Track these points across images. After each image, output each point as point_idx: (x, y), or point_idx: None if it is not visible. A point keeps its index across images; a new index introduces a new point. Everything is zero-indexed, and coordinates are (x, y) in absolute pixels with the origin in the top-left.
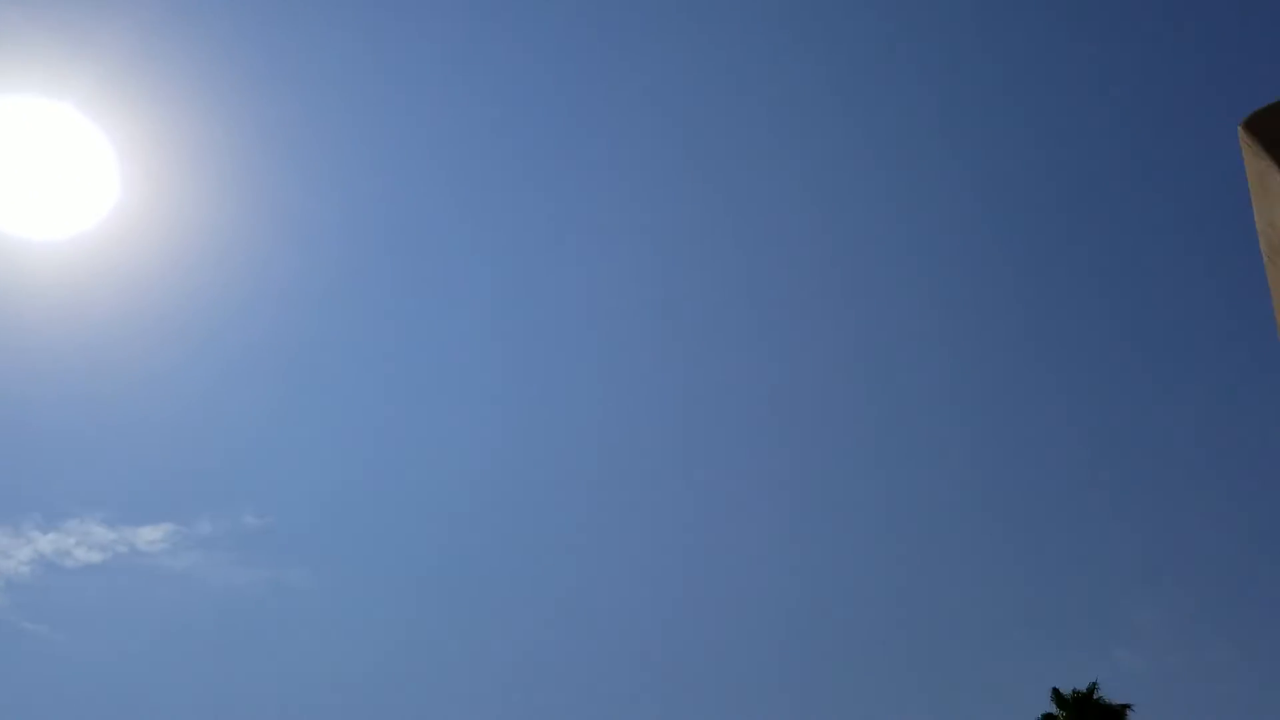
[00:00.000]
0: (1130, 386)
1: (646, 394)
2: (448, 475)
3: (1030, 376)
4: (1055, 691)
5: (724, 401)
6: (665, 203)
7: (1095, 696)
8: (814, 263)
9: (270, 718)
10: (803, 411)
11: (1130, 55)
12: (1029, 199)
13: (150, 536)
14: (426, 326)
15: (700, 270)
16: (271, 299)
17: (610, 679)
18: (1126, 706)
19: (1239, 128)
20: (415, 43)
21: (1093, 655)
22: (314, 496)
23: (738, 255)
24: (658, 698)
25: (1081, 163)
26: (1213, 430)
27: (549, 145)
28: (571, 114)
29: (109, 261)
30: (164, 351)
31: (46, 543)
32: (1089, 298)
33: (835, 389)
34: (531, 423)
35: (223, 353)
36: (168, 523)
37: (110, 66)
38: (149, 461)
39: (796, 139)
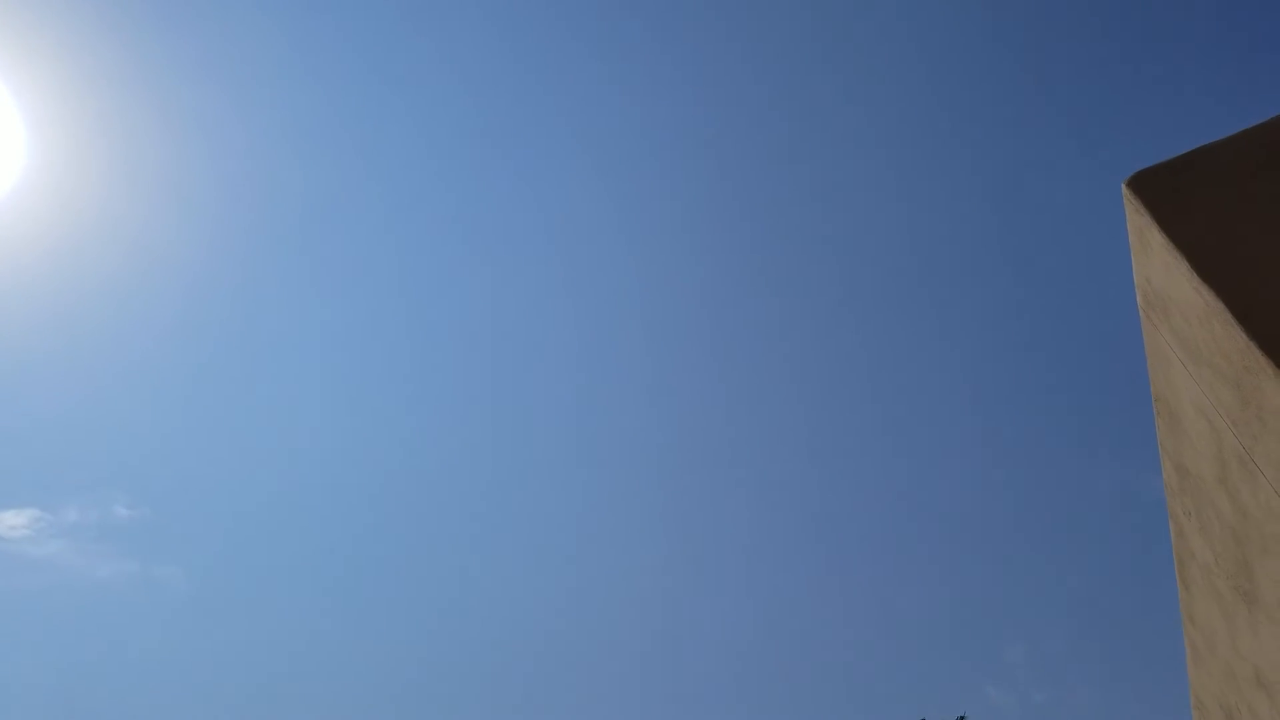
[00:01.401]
0: (1023, 435)
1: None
2: (328, 474)
3: (928, 409)
4: None
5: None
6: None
7: None
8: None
9: (121, 715)
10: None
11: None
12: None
13: (12, 522)
14: (313, 319)
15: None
16: (160, 283)
17: (505, 672)
18: None
19: (1123, 185)
20: (343, 16)
21: (964, 691)
22: (192, 491)
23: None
24: (553, 694)
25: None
26: (1099, 483)
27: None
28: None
29: (4, 235)
30: (41, 333)
31: None
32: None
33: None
34: (417, 413)
35: (105, 336)
36: (32, 508)
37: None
38: (13, 443)
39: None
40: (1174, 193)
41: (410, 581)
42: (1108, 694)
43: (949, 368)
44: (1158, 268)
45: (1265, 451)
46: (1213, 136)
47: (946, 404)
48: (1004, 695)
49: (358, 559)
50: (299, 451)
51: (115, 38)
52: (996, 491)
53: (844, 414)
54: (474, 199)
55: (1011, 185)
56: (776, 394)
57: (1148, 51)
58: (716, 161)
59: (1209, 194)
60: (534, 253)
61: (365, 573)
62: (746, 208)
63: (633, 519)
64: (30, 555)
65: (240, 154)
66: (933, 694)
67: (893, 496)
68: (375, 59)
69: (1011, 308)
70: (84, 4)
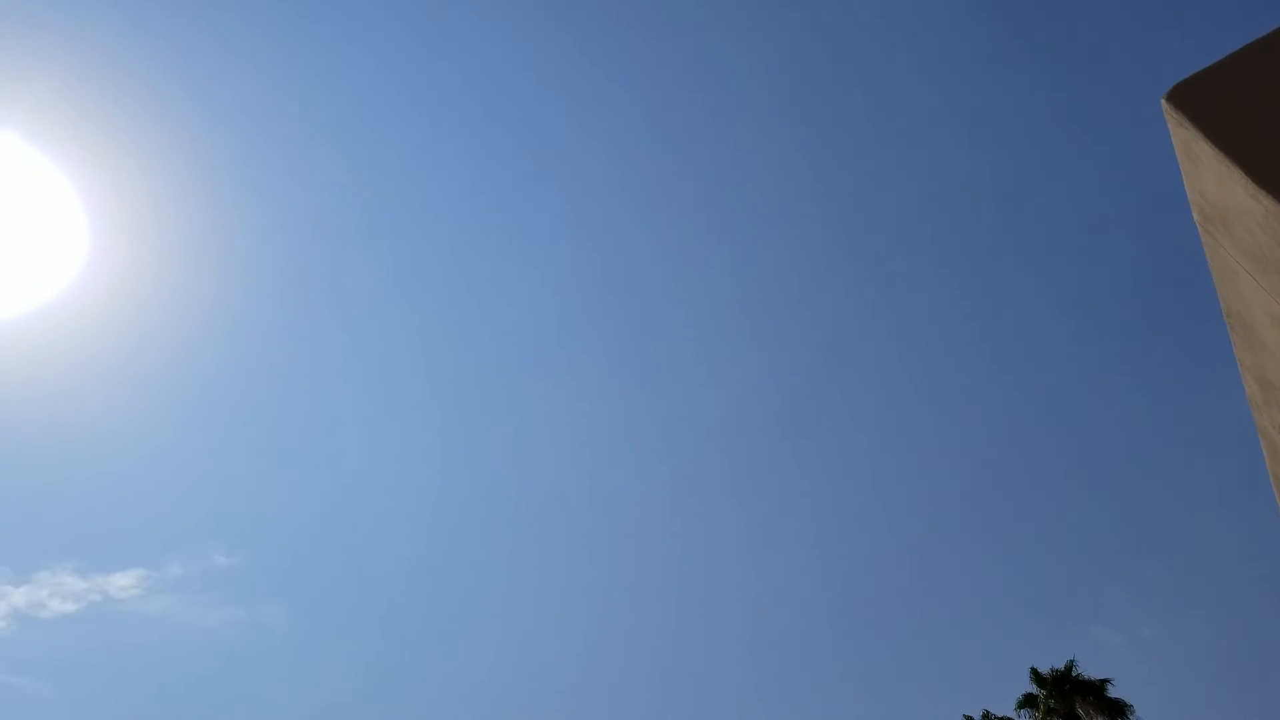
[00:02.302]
0: (1094, 373)
1: (618, 413)
2: (407, 504)
3: (999, 369)
4: (1034, 671)
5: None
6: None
7: (1074, 673)
8: (822, 259)
9: None
10: (796, 410)
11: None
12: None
13: (122, 583)
14: (382, 366)
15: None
16: (225, 340)
17: (584, 695)
18: (1106, 681)
19: (1162, 101)
20: (393, 74)
21: (1070, 634)
22: (281, 533)
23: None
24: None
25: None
26: (1176, 409)
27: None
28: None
29: (78, 322)
30: (122, 401)
31: (20, 596)
32: (1047, 295)
33: (824, 385)
34: (494, 449)
35: (180, 398)
36: (138, 568)
37: (56, 88)
38: (116, 509)
39: (795, 141)
40: (1216, 101)
41: (486, 601)
42: (1220, 626)
43: (1038, 310)
44: (1210, 180)
45: None
46: (1241, 40)
47: (1032, 351)
48: (1111, 635)
49: (436, 582)
50: (369, 488)
51: (170, 127)
52: (1083, 433)
53: (936, 361)
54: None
55: (1052, 113)
56: (874, 345)
57: None
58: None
59: (1252, 98)
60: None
61: (444, 595)
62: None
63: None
64: (142, 613)
65: (293, 221)
66: (1038, 640)
67: (983, 444)
68: (423, 117)
69: (1085, 256)
70: (141, 101)
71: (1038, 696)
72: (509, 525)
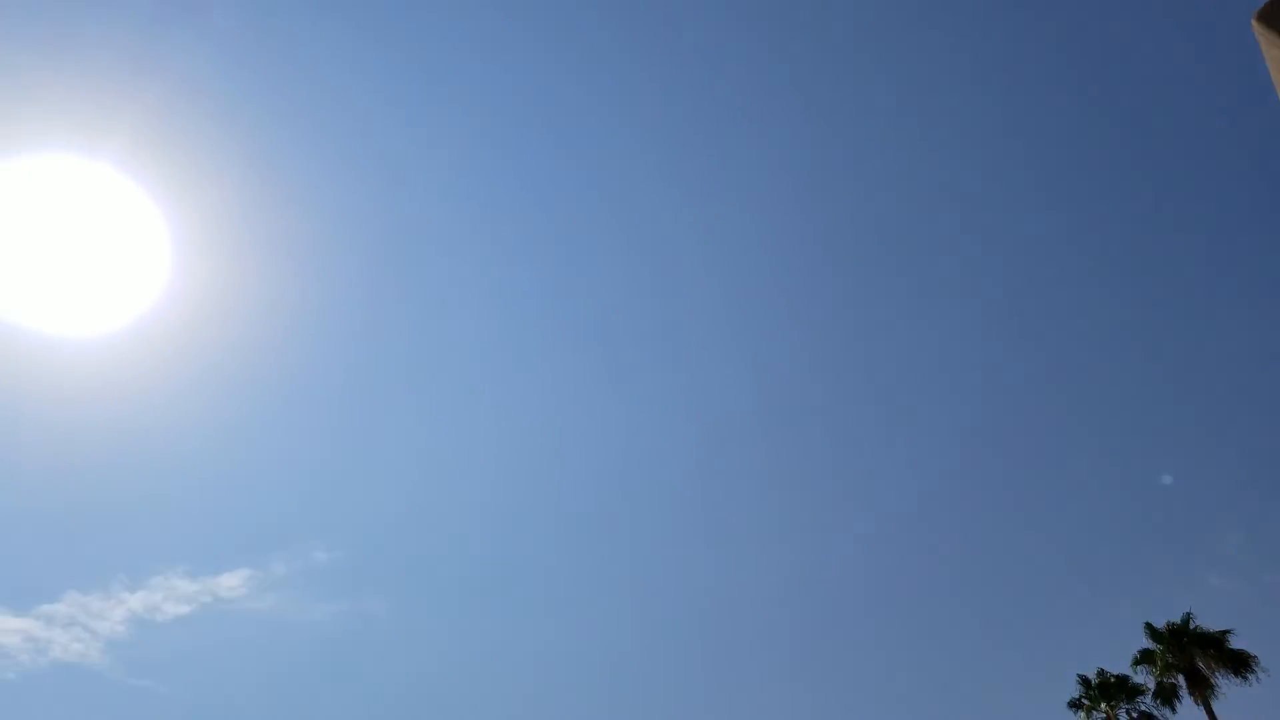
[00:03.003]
0: (1206, 310)
1: (720, 402)
2: (492, 483)
3: (1111, 306)
4: (1149, 626)
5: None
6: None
7: (1192, 626)
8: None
9: None
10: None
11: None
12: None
13: (230, 583)
14: (464, 363)
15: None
16: (311, 345)
17: (673, 677)
18: (1226, 632)
19: (1252, 20)
20: (481, 112)
21: (1185, 585)
22: (375, 528)
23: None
24: (721, 694)
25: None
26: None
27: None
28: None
29: (168, 336)
30: (218, 407)
31: (136, 601)
32: (1168, 216)
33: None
34: (579, 432)
35: (268, 404)
36: (245, 568)
37: (147, 120)
38: (220, 514)
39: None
40: None
41: (584, 585)
42: None
43: (1152, 245)
44: None
45: None
46: None
47: (1141, 303)
48: (1229, 582)
49: (528, 567)
50: (455, 479)
51: (246, 150)
52: (1191, 377)
53: (1043, 310)
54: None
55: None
56: (964, 283)
57: None
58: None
59: None
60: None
61: (536, 579)
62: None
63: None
64: (251, 611)
65: (371, 228)
66: (1151, 594)
67: (1085, 398)
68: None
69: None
70: (220, 128)
71: (1155, 652)
72: (597, 514)
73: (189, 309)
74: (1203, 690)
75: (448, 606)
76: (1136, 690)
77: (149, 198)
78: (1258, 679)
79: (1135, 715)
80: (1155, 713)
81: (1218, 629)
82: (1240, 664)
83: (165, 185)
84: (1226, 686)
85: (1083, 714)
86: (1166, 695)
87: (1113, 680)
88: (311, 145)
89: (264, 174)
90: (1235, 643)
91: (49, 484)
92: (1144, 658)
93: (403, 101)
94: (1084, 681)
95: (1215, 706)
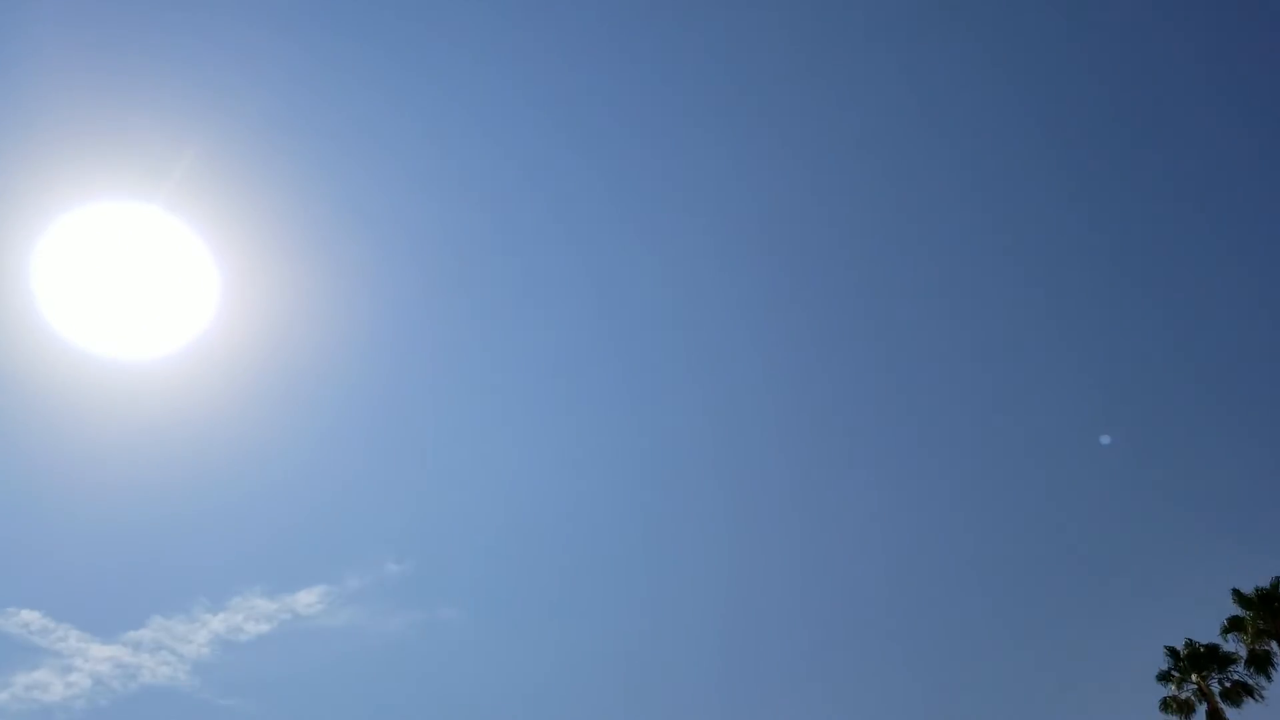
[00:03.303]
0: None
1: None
2: (558, 484)
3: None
4: (1236, 593)
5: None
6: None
7: None
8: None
9: None
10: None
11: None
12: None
13: (307, 600)
14: (527, 368)
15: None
16: (368, 358)
17: (758, 687)
18: None
19: None
20: (534, 137)
21: (1272, 549)
22: (445, 537)
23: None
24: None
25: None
26: None
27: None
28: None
29: (221, 358)
30: (279, 426)
31: (218, 622)
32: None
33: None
34: (652, 438)
35: (333, 420)
36: (320, 584)
37: (197, 164)
38: (292, 533)
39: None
40: None
41: (665, 592)
42: None
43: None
44: None
45: None
46: None
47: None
48: None
49: (597, 568)
50: (522, 487)
51: (292, 188)
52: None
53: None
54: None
55: None
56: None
57: None
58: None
59: None
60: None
61: (607, 580)
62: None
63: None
64: (329, 626)
65: (423, 240)
66: (1235, 561)
67: (1163, 362)
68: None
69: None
70: (267, 167)
71: (1244, 619)
72: (668, 519)
73: (242, 332)
74: None
75: (520, 610)
76: (1228, 659)
77: (196, 234)
78: None
79: (1229, 685)
80: (1250, 680)
81: None
82: None
83: (211, 223)
84: None
85: (1173, 686)
86: (1260, 663)
87: (1202, 650)
88: (352, 175)
89: (308, 208)
90: None
91: (126, 509)
92: (1233, 625)
93: (445, 118)
94: (1172, 653)
95: None
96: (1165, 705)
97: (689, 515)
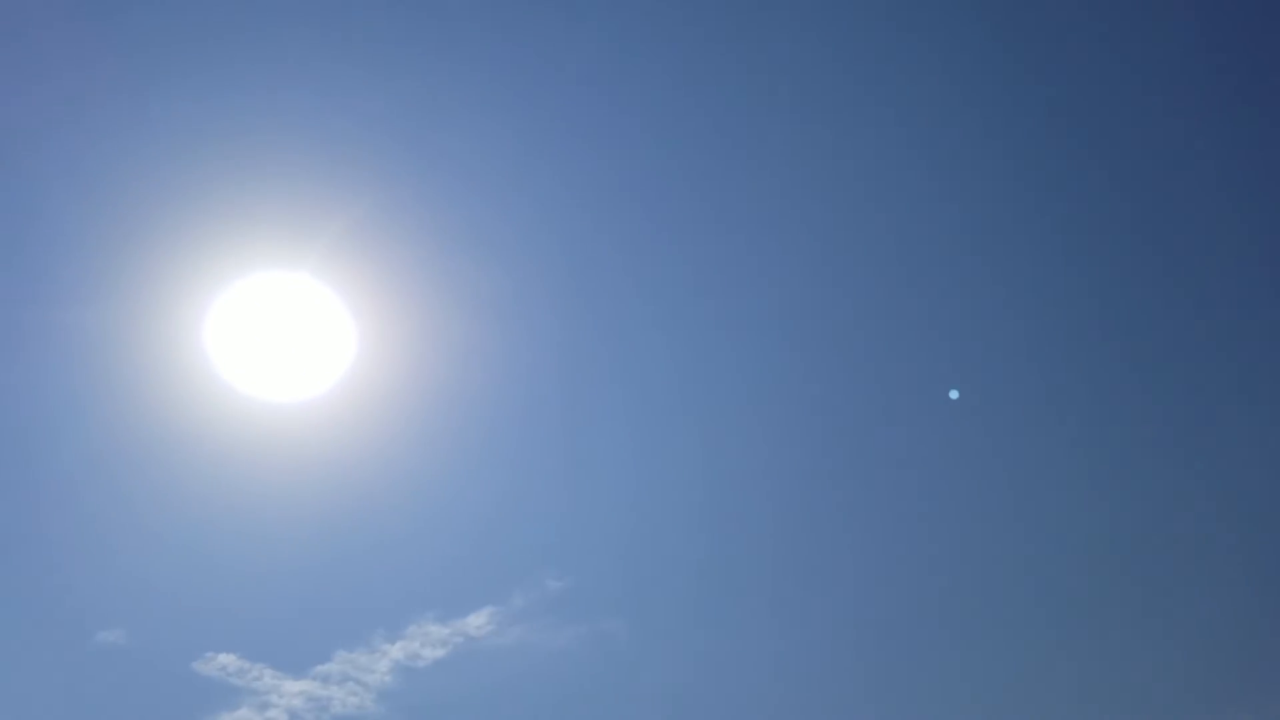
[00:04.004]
0: None
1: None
2: (711, 486)
3: None
4: None
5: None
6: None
7: None
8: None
9: None
10: None
11: None
12: None
13: (477, 623)
14: (671, 375)
15: None
16: (508, 384)
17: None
18: None
19: None
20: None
21: None
22: (599, 548)
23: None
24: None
25: None
26: None
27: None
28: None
29: (363, 398)
30: (428, 457)
31: (397, 650)
32: None
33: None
34: (791, 426)
35: (483, 446)
36: (488, 606)
37: (341, 235)
38: (456, 558)
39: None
40: None
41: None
42: None
43: None
44: None
45: None
46: None
47: None
48: None
49: (760, 568)
50: (670, 491)
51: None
52: None
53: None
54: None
55: None
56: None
57: None
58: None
59: None
60: None
61: (769, 581)
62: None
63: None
64: (500, 645)
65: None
66: None
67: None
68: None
69: None
70: (410, 236)
71: None
72: (824, 509)
73: (388, 368)
74: None
75: (683, 617)
76: None
77: (337, 295)
78: None
79: None
80: None
81: None
82: None
83: (351, 285)
84: None
85: None
86: None
87: None
88: (473, 203)
89: (439, 242)
90: None
91: (301, 549)
92: None
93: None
94: None
95: None
96: None
97: (862, 508)
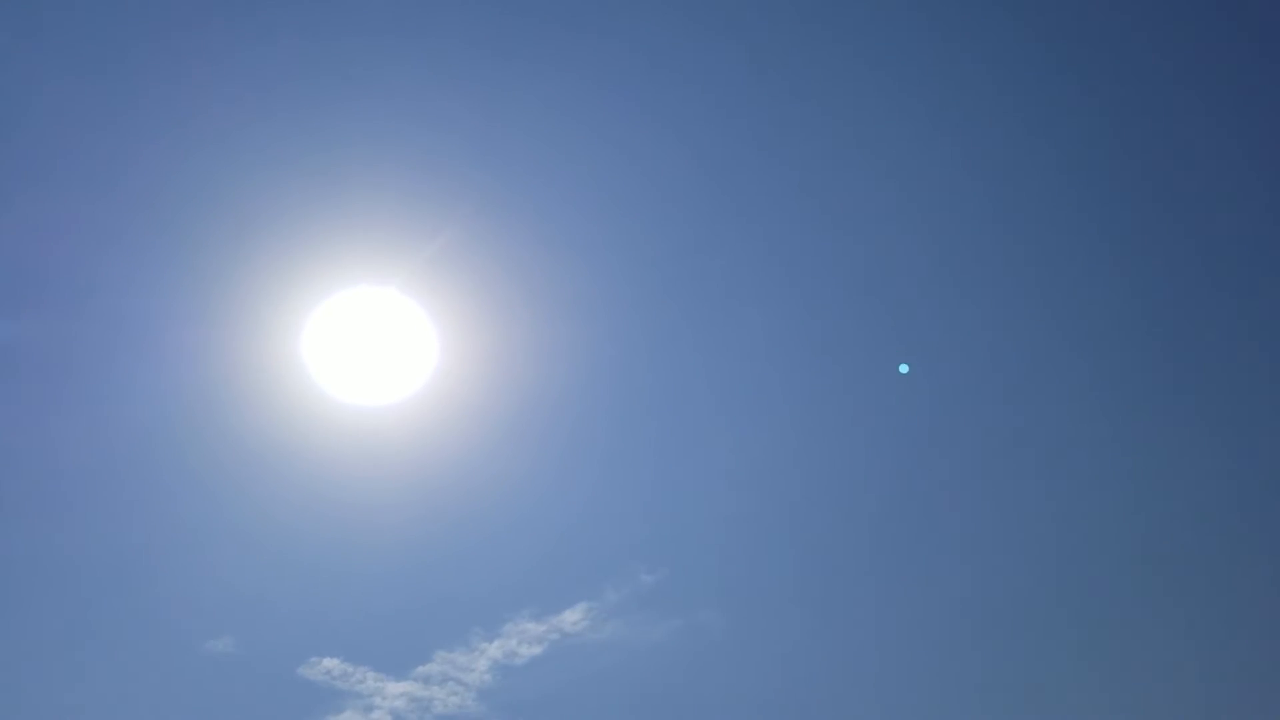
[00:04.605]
0: None
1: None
2: (794, 475)
3: None
4: None
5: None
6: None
7: None
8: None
9: None
10: None
11: None
12: None
13: (572, 619)
14: (741, 360)
15: None
16: (589, 377)
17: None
18: None
19: None
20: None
21: None
22: (690, 541)
23: None
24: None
25: None
26: None
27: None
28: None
29: (448, 401)
30: (524, 457)
31: (495, 649)
32: None
33: None
34: (884, 412)
35: (570, 442)
36: (582, 602)
37: (429, 252)
38: (549, 555)
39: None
40: None
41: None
42: None
43: None
44: None
45: None
46: None
47: None
48: None
49: (854, 557)
50: (761, 481)
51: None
52: None
53: None
54: None
55: None
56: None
57: None
58: None
59: None
60: None
61: (867, 570)
62: None
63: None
64: (596, 641)
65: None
66: None
67: None
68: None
69: None
70: (491, 256)
71: None
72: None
73: (473, 369)
74: None
75: (779, 608)
76: None
77: (420, 308)
78: None
79: None
80: None
81: None
82: None
83: (434, 299)
84: None
85: None
86: None
87: None
88: (548, 202)
89: (517, 248)
90: None
91: (397, 551)
92: None
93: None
94: None
95: None
96: None
97: (948, 493)
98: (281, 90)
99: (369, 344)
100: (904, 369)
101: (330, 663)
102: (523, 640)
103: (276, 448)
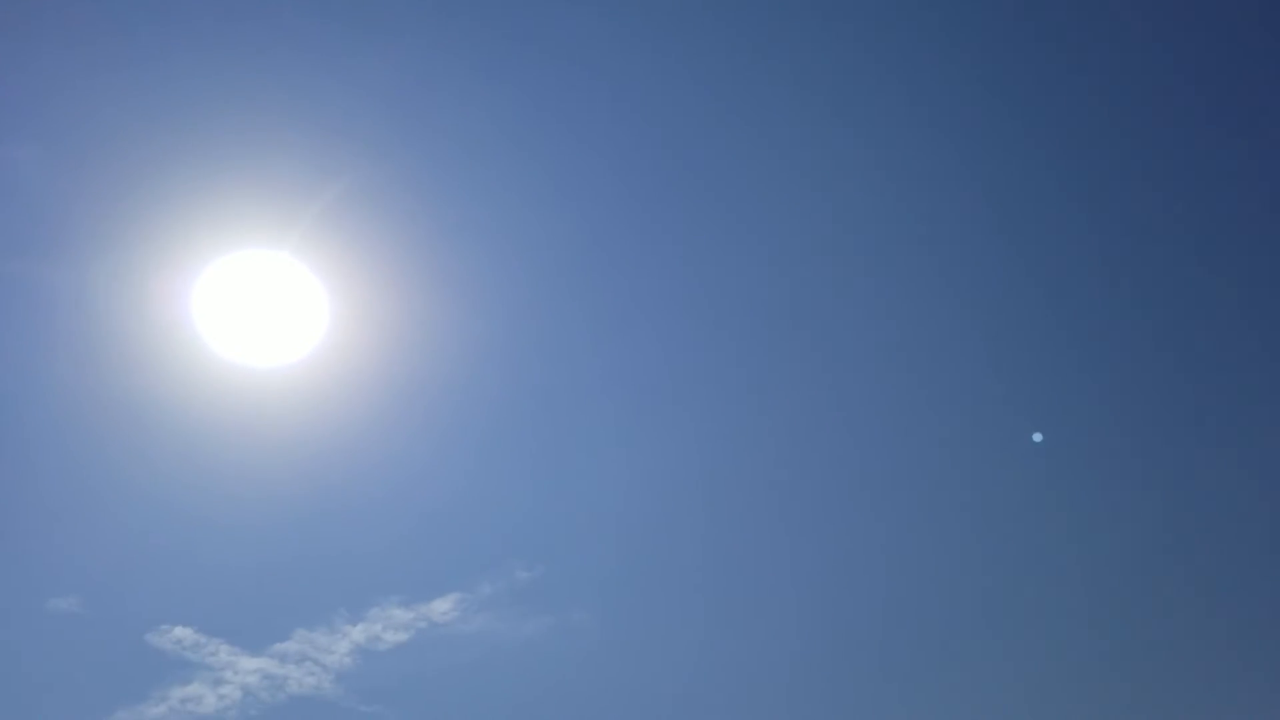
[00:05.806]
0: None
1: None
2: (684, 482)
3: None
4: None
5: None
6: None
7: None
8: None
9: None
10: None
11: None
12: None
13: (442, 608)
14: (646, 369)
15: None
16: (483, 366)
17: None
18: None
19: None
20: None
21: None
22: (569, 540)
23: None
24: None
25: None
26: None
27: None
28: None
29: (339, 371)
30: (407, 440)
31: (358, 633)
32: None
33: None
34: (774, 422)
35: (458, 431)
36: (454, 592)
37: (320, 218)
38: (424, 543)
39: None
40: None
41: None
42: None
43: None
44: None
45: None
46: None
47: None
48: None
49: (734, 565)
50: (644, 485)
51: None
52: None
53: None
54: None
55: None
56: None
57: None
58: None
59: None
60: None
61: (746, 577)
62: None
63: None
64: (464, 632)
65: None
66: None
67: None
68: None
69: None
70: (382, 221)
71: None
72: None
73: (364, 341)
74: None
75: (654, 612)
76: None
77: (314, 273)
78: None
79: None
80: None
81: None
82: None
83: (328, 264)
84: None
85: None
86: None
87: None
88: (458, 190)
89: (419, 225)
90: None
91: (266, 524)
92: None
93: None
94: None
95: None
96: None
97: (840, 504)
98: (176, 50)
99: (259, 307)
100: (1038, 438)
101: (182, 631)
102: (388, 626)
103: (151, 404)
